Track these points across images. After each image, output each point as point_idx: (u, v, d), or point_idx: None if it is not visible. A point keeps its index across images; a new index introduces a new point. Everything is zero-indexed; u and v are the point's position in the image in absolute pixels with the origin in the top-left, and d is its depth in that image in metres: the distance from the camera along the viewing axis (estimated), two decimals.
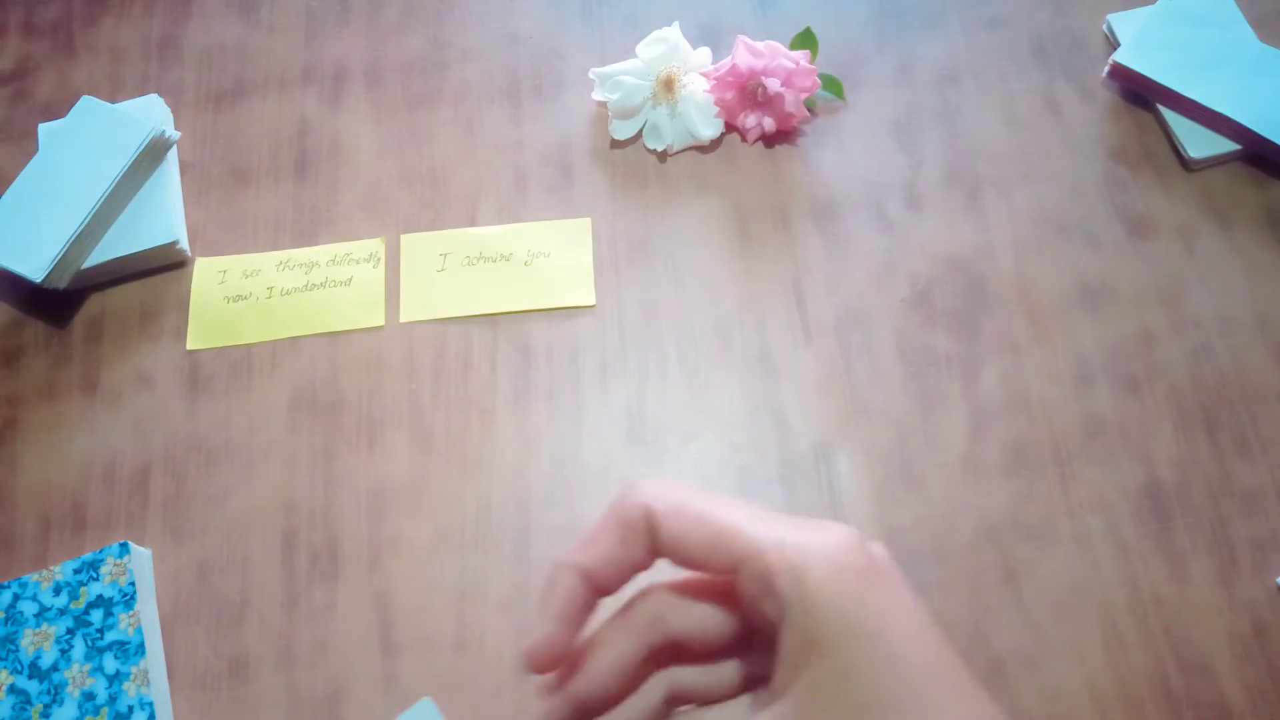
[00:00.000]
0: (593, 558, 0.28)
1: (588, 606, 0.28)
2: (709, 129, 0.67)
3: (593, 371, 0.62)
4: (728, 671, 0.30)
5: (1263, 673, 0.52)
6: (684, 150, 0.68)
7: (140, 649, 0.54)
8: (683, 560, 0.27)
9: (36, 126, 0.71)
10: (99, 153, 0.65)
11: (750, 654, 0.29)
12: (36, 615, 0.55)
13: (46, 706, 0.53)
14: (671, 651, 0.29)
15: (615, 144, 0.69)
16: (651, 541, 0.27)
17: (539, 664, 0.28)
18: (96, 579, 0.55)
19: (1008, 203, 0.65)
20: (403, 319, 0.64)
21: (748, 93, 0.66)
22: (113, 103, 0.68)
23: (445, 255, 0.66)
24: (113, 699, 0.53)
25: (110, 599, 0.55)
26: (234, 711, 0.54)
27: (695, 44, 0.69)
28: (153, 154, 0.67)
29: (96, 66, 0.75)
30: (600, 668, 0.28)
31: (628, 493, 0.28)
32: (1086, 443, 0.58)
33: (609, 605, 0.29)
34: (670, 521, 0.27)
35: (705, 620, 0.29)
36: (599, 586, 0.28)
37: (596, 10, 0.74)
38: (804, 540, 0.26)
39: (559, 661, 0.28)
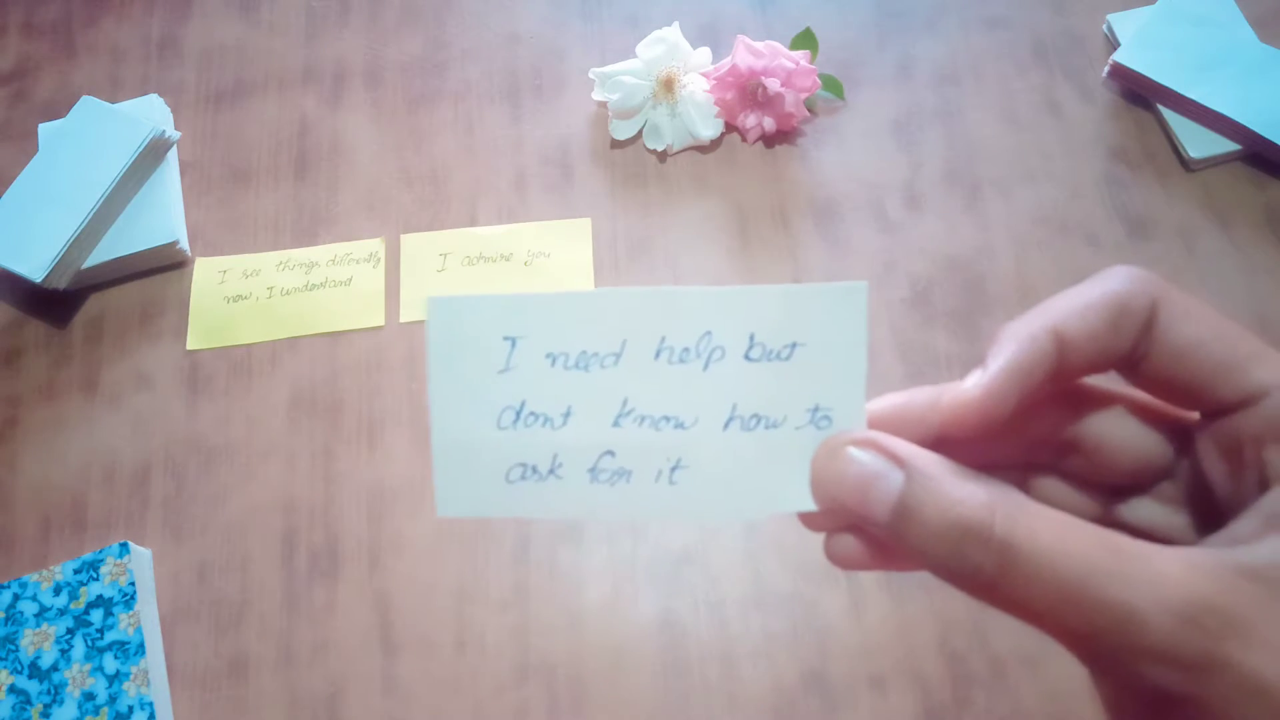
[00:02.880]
0: (1073, 326, 0.22)
1: (1044, 375, 0.22)
2: (709, 129, 0.67)
3: None
4: (1147, 447, 0.24)
5: None
6: (684, 150, 0.68)
7: (140, 649, 0.54)
8: (1162, 377, 0.22)
9: (36, 126, 0.71)
10: (99, 153, 0.65)
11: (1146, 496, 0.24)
12: (36, 615, 0.55)
13: (46, 706, 0.53)
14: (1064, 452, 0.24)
15: (615, 144, 0.69)
16: (1144, 338, 0.22)
17: (960, 413, 0.22)
18: (96, 579, 0.55)
19: (1008, 203, 0.65)
20: (403, 319, 0.64)
21: (748, 93, 0.66)
22: (113, 103, 0.68)
23: (445, 255, 0.66)
24: (113, 699, 0.53)
25: (110, 599, 0.55)
26: (234, 711, 0.54)
27: (695, 44, 0.69)
28: (153, 154, 0.67)
29: (96, 66, 0.75)
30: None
31: (1126, 272, 0.22)
32: None
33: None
34: (1182, 323, 0.22)
35: (1132, 440, 0.24)
36: (1065, 362, 0.22)
37: (596, 10, 0.74)
38: None
39: (987, 422, 0.22)
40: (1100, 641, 0.20)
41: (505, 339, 0.25)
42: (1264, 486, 0.21)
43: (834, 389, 0.24)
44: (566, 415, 0.25)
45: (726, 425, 0.25)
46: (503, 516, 0.30)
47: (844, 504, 0.22)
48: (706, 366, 0.25)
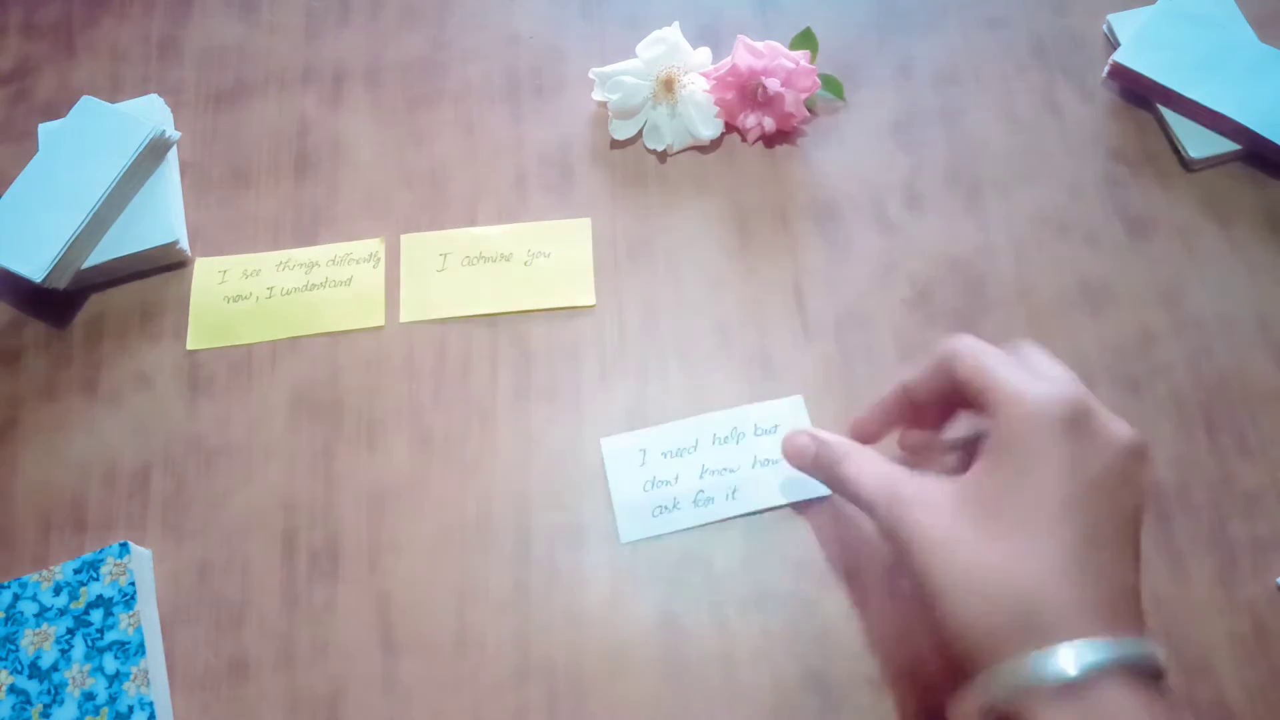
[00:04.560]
0: (912, 377, 0.46)
1: (901, 409, 0.48)
2: (709, 129, 0.67)
3: (593, 372, 0.62)
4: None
5: (1263, 673, 0.52)
6: (684, 150, 0.68)
7: (140, 649, 0.54)
8: (958, 392, 0.43)
9: (36, 126, 0.71)
10: (99, 153, 0.65)
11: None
12: (36, 615, 0.55)
13: (46, 706, 0.53)
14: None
15: (615, 144, 0.69)
16: (952, 375, 0.42)
17: (854, 432, 0.49)
18: (96, 579, 0.55)
19: (1008, 203, 0.65)
20: (403, 319, 0.64)
21: (748, 93, 0.66)
22: (113, 103, 0.68)
23: (445, 255, 0.66)
24: (113, 699, 0.53)
25: (110, 599, 0.55)
26: (234, 711, 0.54)
27: (695, 44, 0.69)
28: (153, 154, 0.67)
29: (96, 66, 0.75)
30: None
31: (949, 340, 0.43)
32: None
33: None
34: (958, 363, 0.42)
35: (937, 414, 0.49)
36: (912, 397, 0.47)
37: (596, 10, 0.74)
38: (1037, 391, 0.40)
39: (868, 437, 0.49)
40: (872, 514, 0.44)
41: (639, 450, 0.57)
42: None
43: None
44: (676, 479, 0.56)
45: (754, 466, 0.56)
46: (654, 535, 0.56)
47: (795, 461, 0.50)
48: (739, 442, 0.57)
